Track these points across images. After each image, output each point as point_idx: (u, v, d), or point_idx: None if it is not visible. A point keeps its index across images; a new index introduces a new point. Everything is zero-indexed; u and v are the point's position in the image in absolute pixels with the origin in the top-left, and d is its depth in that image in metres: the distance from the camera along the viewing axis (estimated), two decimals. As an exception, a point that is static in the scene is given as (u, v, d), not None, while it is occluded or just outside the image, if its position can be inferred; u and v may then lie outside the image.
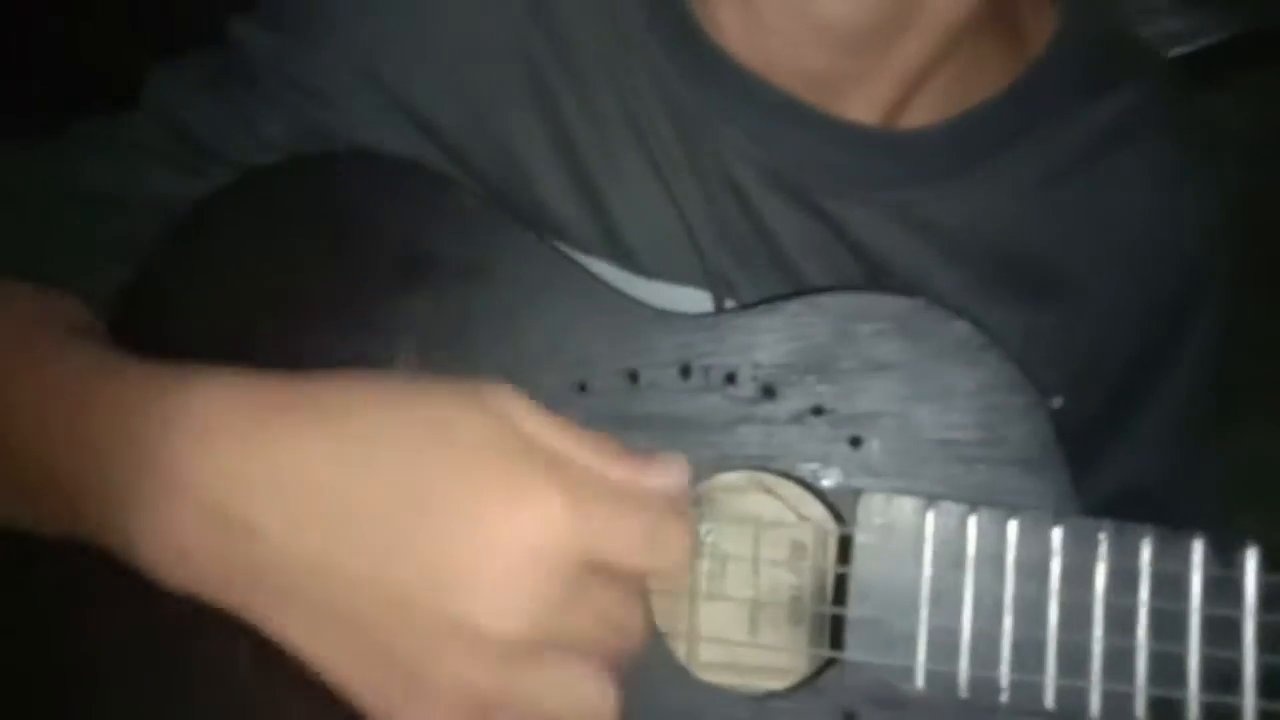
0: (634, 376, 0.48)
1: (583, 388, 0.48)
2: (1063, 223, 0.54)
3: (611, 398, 0.48)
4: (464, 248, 0.49)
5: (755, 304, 0.48)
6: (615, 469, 0.39)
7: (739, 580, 0.52)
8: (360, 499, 0.36)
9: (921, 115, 0.53)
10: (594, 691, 0.37)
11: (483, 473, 0.36)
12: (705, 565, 0.53)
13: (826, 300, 0.47)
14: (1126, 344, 0.55)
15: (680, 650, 0.48)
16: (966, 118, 0.52)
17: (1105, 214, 0.54)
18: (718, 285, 0.53)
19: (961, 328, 0.46)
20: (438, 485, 0.36)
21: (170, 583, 0.37)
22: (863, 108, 0.52)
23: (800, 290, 0.48)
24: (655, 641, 0.47)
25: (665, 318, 0.49)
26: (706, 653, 0.50)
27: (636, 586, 0.39)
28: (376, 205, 0.50)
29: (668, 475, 0.39)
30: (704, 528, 0.53)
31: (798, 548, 0.52)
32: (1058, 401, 0.53)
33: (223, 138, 0.52)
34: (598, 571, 0.37)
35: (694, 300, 0.52)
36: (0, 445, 0.43)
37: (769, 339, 0.47)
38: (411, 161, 0.51)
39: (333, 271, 0.50)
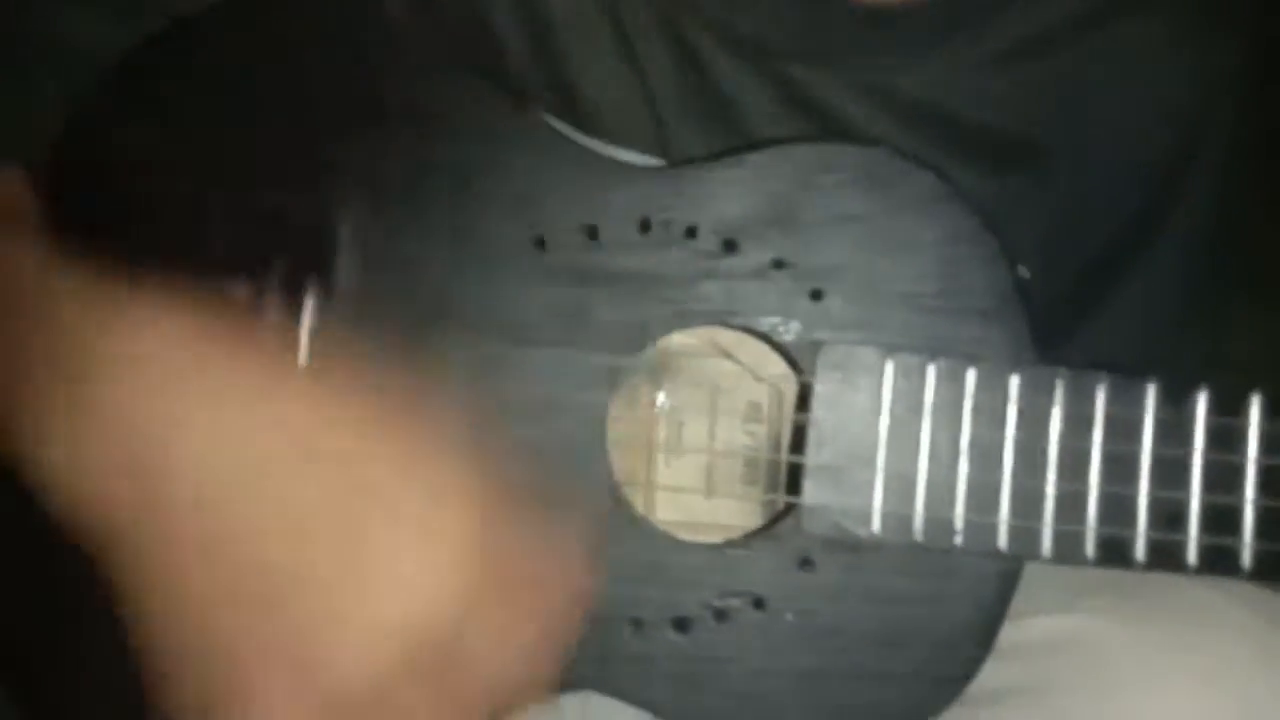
0: (593, 232, 0.47)
1: (540, 243, 0.47)
2: (1041, 95, 0.53)
3: (570, 253, 0.47)
4: (417, 96, 0.47)
5: (717, 154, 0.47)
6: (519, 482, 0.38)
7: (695, 441, 0.52)
8: (285, 471, 0.35)
9: None
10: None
11: (406, 462, 0.36)
12: (663, 430, 0.53)
13: (789, 151, 0.46)
14: (1104, 217, 0.55)
15: (639, 507, 0.48)
16: None
17: (1091, 87, 0.54)
18: (675, 154, 0.52)
19: (925, 178, 0.45)
20: (349, 489, 0.35)
21: (60, 496, 0.36)
22: None
23: (762, 141, 0.47)
24: (614, 495, 0.46)
25: (625, 171, 0.48)
26: (664, 511, 0.50)
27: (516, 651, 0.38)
28: (324, 50, 0.48)
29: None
30: (661, 393, 0.53)
31: (754, 408, 0.52)
32: (1024, 271, 0.53)
33: None
34: (481, 632, 0.36)
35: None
36: None
37: (730, 192, 0.47)
38: (361, 3, 0.49)
39: (277, 121, 0.48)
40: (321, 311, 0.47)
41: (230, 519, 0.35)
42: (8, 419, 0.37)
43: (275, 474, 0.35)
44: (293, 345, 0.46)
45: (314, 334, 0.47)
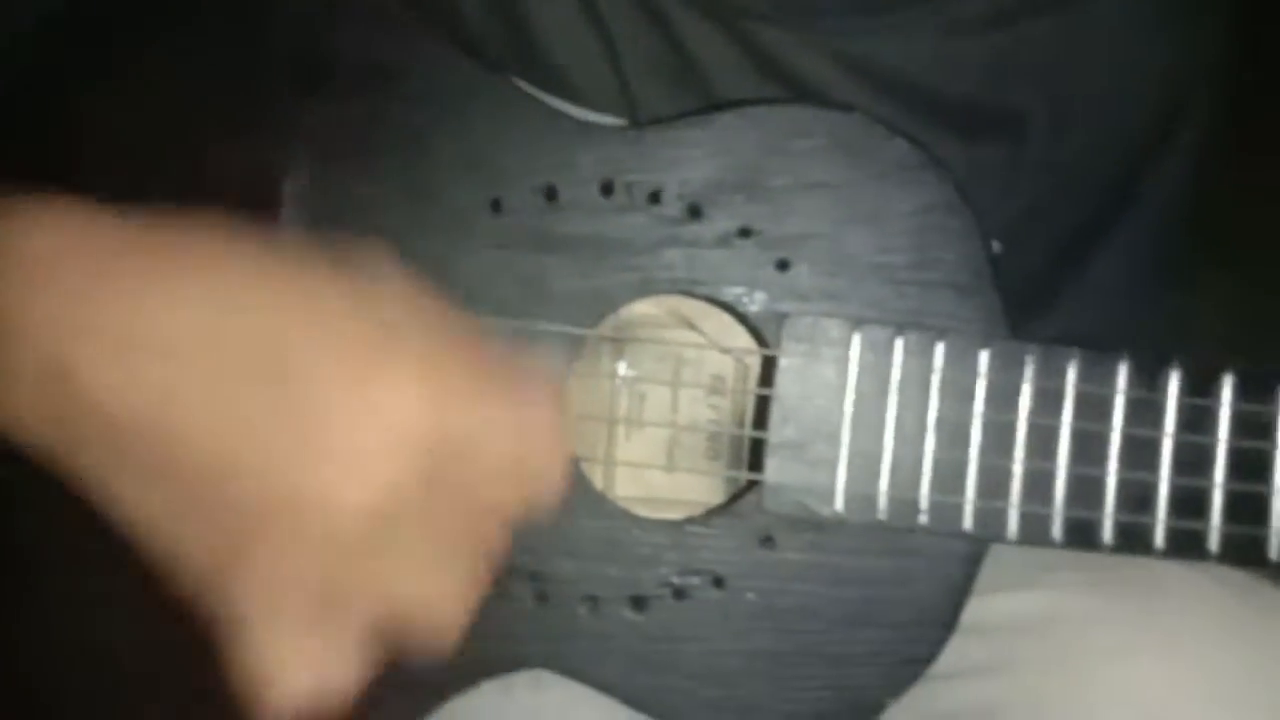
0: (552, 194, 0.45)
1: (496, 206, 0.45)
2: (1020, 66, 0.52)
3: (527, 216, 0.45)
4: (369, 52, 0.45)
5: (684, 114, 0.45)
6: (485, 356, 0.36)
7: (657, 415, 0.51)
8: (206, 359, 0.33)
9: None
10: (448, 583, 0.34)
11: (343, 343, 0.34)
12: (623, 401, 0.51)
13: (760, 112, 0.45)
14: (1079, 190, 0.54)
15: (598, 482, 0.47)
16: None
17: (1072, 58, 0.52)
18: (642, 117, 0.50)
19: (899, 145, 0.44)
20: (293, 352, 0.33)
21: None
22: None
23: (731, 101, 0.45)
24: (573, 471, 0.45)
25: (587, 130, 0.46)
26: (623, 487, 0.49)
27: (503, 479, 0.36)
28: (273, 3, 0.46)
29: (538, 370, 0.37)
30: (621, 363, 0.52)
31: (717, 381, 0.51)
32: (997, 246, 0.52)
33: None
34: (460, 461, 0.34)
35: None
36: None
37: (697, 154, 0.45)
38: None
39: (227, 76, 0.46)
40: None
41: (177, 412, 0.33)
42: None
43: (218, 359, 0.33)
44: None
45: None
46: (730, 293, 0.45)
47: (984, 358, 0.42)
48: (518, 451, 0.35)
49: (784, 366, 0.44)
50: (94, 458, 0.34)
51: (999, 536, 0.42)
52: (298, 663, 0.33)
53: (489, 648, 0.43)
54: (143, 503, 0.34)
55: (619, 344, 0.51)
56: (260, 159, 0.45)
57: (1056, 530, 0.42)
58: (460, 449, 0.34)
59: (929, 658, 0.44)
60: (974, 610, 0.45)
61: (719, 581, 0.44)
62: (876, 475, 0.43)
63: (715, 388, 0.51)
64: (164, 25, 0.46)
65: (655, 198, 0.45)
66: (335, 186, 0.45)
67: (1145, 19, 0.53)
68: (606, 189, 0.45)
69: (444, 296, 0.35)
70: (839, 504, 0.43)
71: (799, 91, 0.51)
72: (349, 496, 0.32)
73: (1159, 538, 0.41)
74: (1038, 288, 0.54)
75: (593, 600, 0.44)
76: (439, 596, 0.34)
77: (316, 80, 0.45)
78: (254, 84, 0.45)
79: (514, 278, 0.45)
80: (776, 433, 0.44)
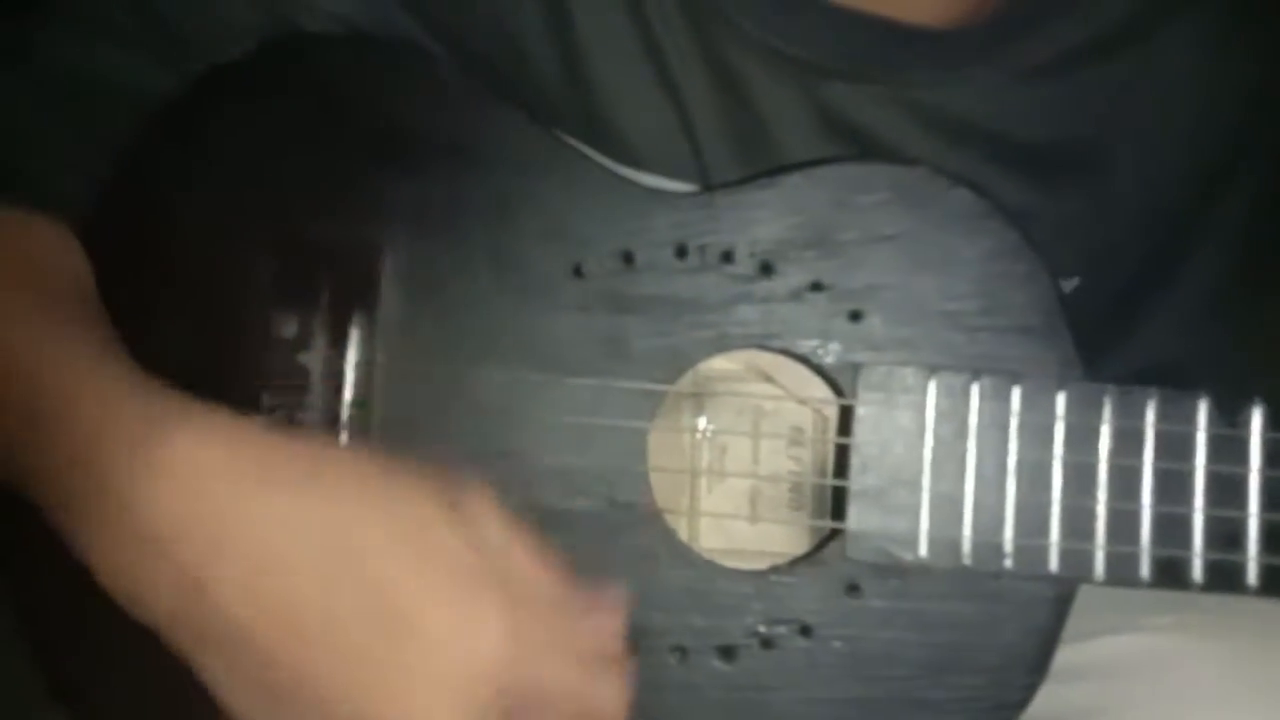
0: (629, 258, 0.47)
1: (577, 271, 0.47)
2: (1087, 107, 0.52)
3: (607, 280, 0.47)
4: (452, 128, 0.48)
5: (752, 177, 0.47)
6: (567, 597, 0.39)
7: (738, 466, 0.52)
8: (311, 583, 0.36)
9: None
10: None
11: (438, 582, 0.36)
12: (705, 455, 0.52)
13: (824, 172, 0.46)
14: (1156, 218, 0.54)
15: (682, 535, 0.48)
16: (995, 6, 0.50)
17: (1136, 95, 0.52)
18: (713, 180, 0.51)
19: (963, 195, 0.45)
20: (389, 586, 0.36)
21: (117, 597, 0.37)
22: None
23: (797, 163, 0.47)
24: (658, 524, 0.46)
25: (660, 197, 0.48)
26: (708, 538, 0.50)
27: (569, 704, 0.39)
28: (361, 86, 0.49)
29: (614, 609, 0.40)
30: (702, 418, 0.53)
31: (797, 432, 0.52)
32: (1074, 282, 0.52)
33: (191, 22, 0.50)
34: (529, 706, 0.37)
35: None
36: None
37: (766, 214, 0.46)
38: (397, 39, 0.49)
39: (318, 158, 0.48)
40: (365, 344, 0.47)
41: (277, 625, 0.36)
42: (59, 519, 0.39)
43: (317, 576, 0.36)
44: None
45: (358, 367, 0.47)
46: (805, 345, 0.46)
47: (1061, 400, 0.43)
48: (584, 679, 0.38)
49: (861, 415, 0.44)
50: (215, 658, 0.37)
51: (1085, 578, 0.42)
52: None
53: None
54: (239, 705, 0.37)
55: (699, 398, 0.52)
56: (359, 236, 0.47)
57: (1144, 570, 0.42)
58: (535, 674, 0.36)
59: (1020, 703, 0.44)
60: (1069, 656, 0.45)
61: (806, 630, 0.45)
62: (959, 520, 0.43)
63: (795, 438, 0.52)
64: (259, 116, 0.49)
65: (728, 257, 0.46)
66: (427, 259, 0.47)
67: (1216, 42, 0.53)
68: (680, 251, 0.47)
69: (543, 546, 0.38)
70: (923, 550, 0.43)
71: (870, 146, 0.51)
72: (462, 668, 0.35)
73: (1251, 575, 0.41)
74: (1120, 315, 0.54)
75: (681, 651, 0.45)
76: None
77: (409, 157, 0.47)
78: (351, 164, 0.48)
79: (595, 339, 0.46)
80: (857, 481, 0.44)
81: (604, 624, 0.39)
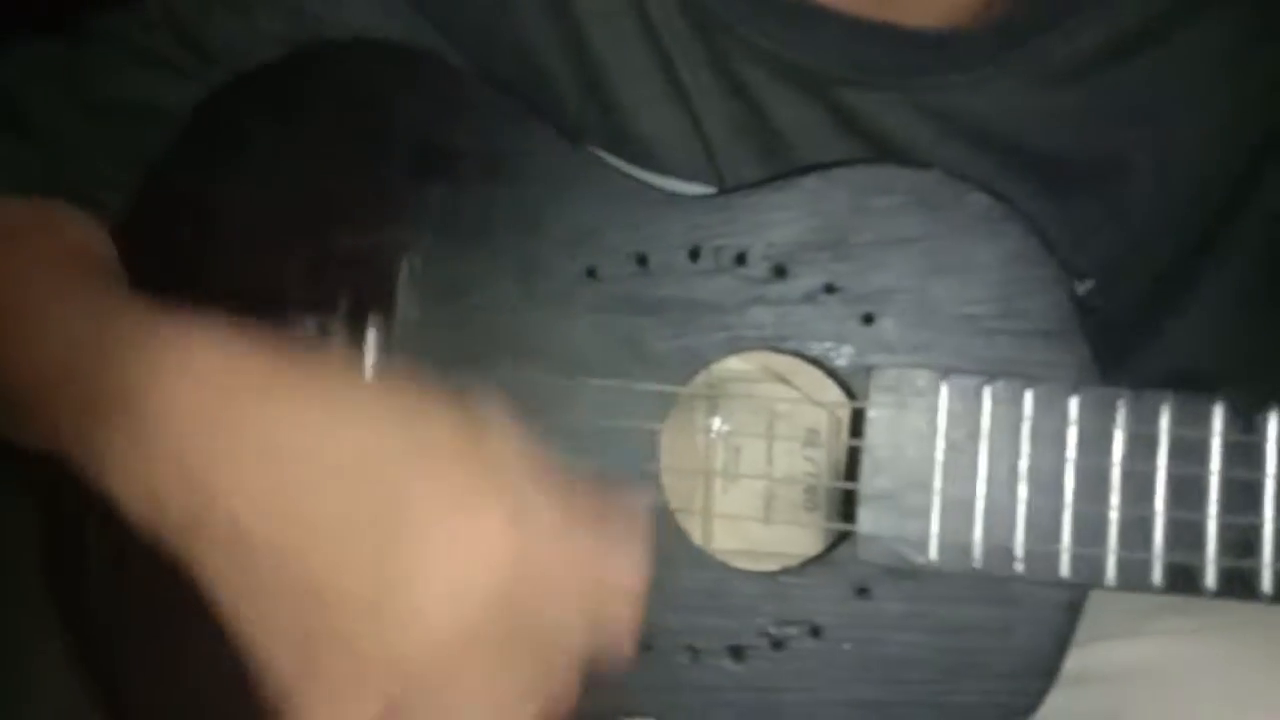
0: (643, 260, 0.47)
1: (592, 273, 0.47)
2: (1104, 112, 0.52)
3: (621, 283, 0.47)
4: (480, 139, 0.48)
5: (767, 180, 0.47)
6: (574, 506, 0.38)
7: (753, 468, 0.52)
8: (327, 487, 0.36)
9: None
10: (511, 717, 0.36)
11: (444, 478, 0.37)
12: (719, 454, 0.52)
13: (841, 174, 0.46)
14: (1178, 223, 0.53)
15: (696, 535, 0.48)
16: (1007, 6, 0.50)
17: (1156, 100, 0.52)
18: (726, 183, 0.52)
19: (980, 199, 0.45)
20: (402, 491, 0.36)
21: (132, 518, 0.38)
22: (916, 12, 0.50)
23: (814, 165, 0.47)
24: (671, 524, 0.47)
25: (675, 200, 0.48)
26: (722, 539, 0.50)
27: (575, 622, 0.38)
28: (391, 96, 0.49)
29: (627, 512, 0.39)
30: (716, 418, 0.53)
31: (811, 434, 0.52)
32: (1084, 286, 0.51)
33: (221, 36, 0.52)
34: (537, 600, 0.37)
35: None
36: None
37: (780, 217, 0.46)
38: (426, 51, 0.50)
39: (346, 166, 0.49)
40: (383, 343, 0.48)
41: (287, 527, 0.36)
42: (82, 455, 0.40)
43: (330, 481, 0.36)
44: (356, 372, 0.48)
45: (376, 365, 0.48)
46: (817, 347, 0.46)
47: (1074, 404, 0.43)
48: (591, 598, 0.37)
49: (873, 418, 0.45)
50: (217, 561, 0.37)
51: (1097, 583, 0.42)
52: None
53: (597, 698, 0.45)
54: (247, 611, 0.37)
55: (713, 400, 0.52)
56: (382, 238, 0.48)
57: (1156, 575, 0.41)
58: (539, 588, 0.36)
59: (1031, 707, 0.43)
60: (1079, 660, 0.45)
61: (816, 631, 0.45)
62: (970, 524, 0.43)
63: (810, 440, 0.52)
64: (296, 121, 0.50)
65: (741, 259, 0.47)
66: (448, 263, 0.48)
67: (1239, 42, 0.52)
68: (694, 254, 0.47)
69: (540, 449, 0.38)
70: (933, 553, 0.43)
71: (885, 149, 0.51)
72: (427, 623, 0.35)
73: (1265, 581, 0.40)
74: (1143, 320, 0.54)
75: (693, 651, 0.46)
76: None
77: (434, 166, 0.48)
78: (376, 170, 0.49)
79: (611, 340, 0.47)
80: (868, 483, 0.44)
81: (619, 523, 0.38)
